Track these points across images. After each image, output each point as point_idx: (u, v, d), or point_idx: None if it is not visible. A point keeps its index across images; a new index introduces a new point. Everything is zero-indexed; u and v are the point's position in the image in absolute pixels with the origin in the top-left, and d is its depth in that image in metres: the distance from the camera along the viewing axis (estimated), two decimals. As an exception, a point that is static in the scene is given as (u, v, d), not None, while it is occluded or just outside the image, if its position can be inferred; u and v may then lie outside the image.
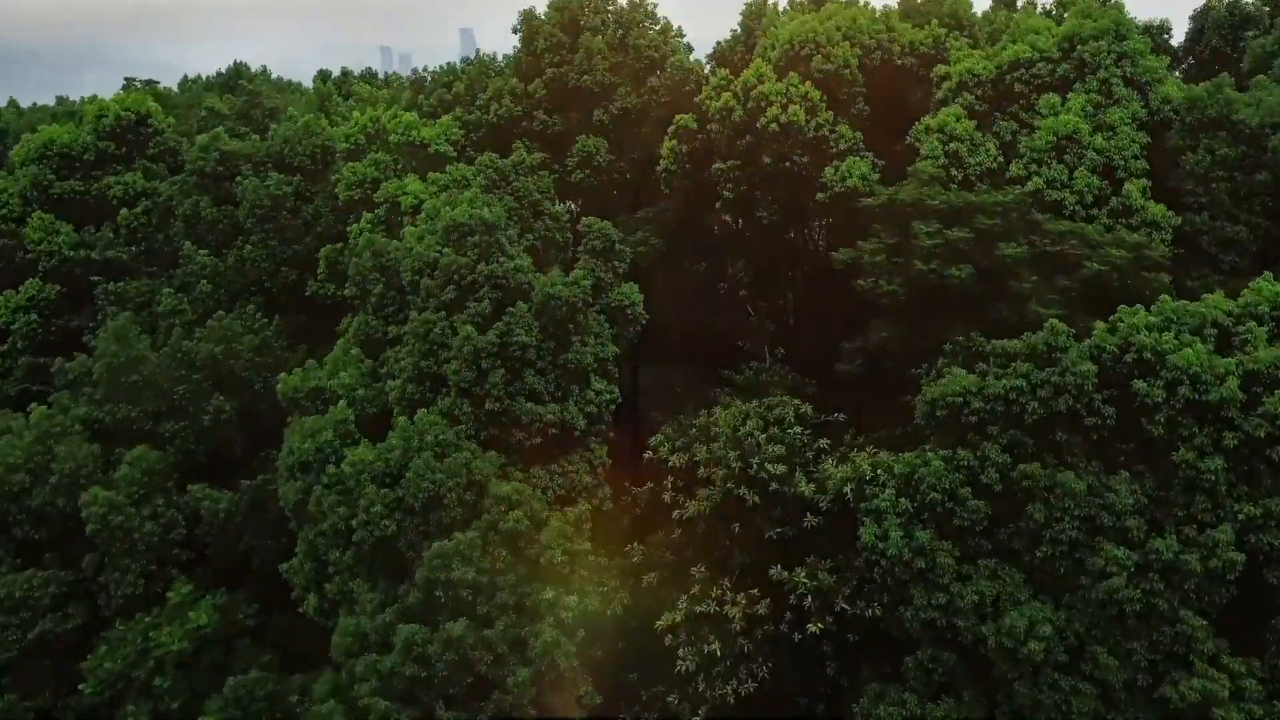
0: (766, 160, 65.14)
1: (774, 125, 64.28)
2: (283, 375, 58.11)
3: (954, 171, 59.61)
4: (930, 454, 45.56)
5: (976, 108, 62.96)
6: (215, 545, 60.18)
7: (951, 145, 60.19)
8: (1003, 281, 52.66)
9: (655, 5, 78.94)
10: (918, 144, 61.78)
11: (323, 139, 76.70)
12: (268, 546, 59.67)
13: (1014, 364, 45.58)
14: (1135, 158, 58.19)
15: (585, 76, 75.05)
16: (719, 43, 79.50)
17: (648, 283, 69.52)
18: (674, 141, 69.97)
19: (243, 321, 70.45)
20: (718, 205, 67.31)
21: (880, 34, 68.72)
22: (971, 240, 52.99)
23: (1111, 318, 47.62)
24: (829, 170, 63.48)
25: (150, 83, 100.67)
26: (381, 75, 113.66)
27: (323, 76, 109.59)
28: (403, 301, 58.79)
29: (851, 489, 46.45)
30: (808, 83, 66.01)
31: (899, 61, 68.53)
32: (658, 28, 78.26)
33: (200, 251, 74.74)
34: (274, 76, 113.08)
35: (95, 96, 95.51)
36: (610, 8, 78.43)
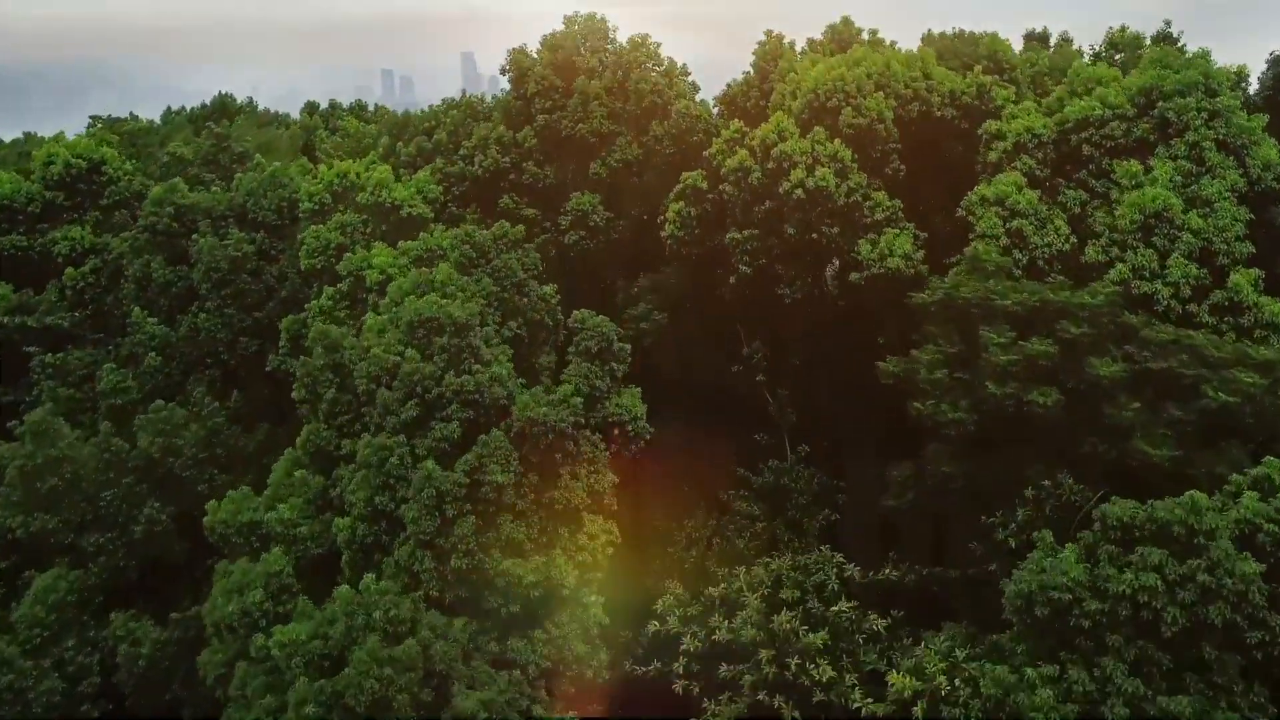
0: (790, 231, 50.13)
1: (799, 191, 49.24)
2: (210, 505, 43.15)
3: (1017, 254, 44.67)
4: (1030, 671, 30.69)
5: (1038, 173, 47.91)
6: (137, 695, 45.41)
7: (1015, 223, 45.17)
8: (1095, 407, 37.77)
9: (659, 45, 63.62)
10: (971, 218, 46.76)
11: (290, 190, 61.62)
12: (200, 697, 44.85)
13: (1141, 550, 30.62)
14: (1239, 239, 43.22)
15: (580, 125, 59.87)
16: (730, 84, 64.02)
17: (648, 357, 54.83)
18: (681, 203, 54.89)
19: (189, 406, 55.59)
20: (732, 280, 52.27)
21: (917, 82, 53.53)
22: (1055, 354, 38.08)
23: (1256, 470, 32.87)
24: (865, 246, 48.40)
25: (121, 120, 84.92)
26: (372, 106, 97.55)
27: (310, 109, 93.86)
28: (358, 410, 43.89)
29: (923, 709, 31.65)
30: (837, 140, 50.90)
31: (938, 114, 53.33)
32: (661, 69, 62.97)
33: (150, 319, 59.75)
34: (260, 108, 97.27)
35: (60, 134, 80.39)
36: (608, 47, 63.13)
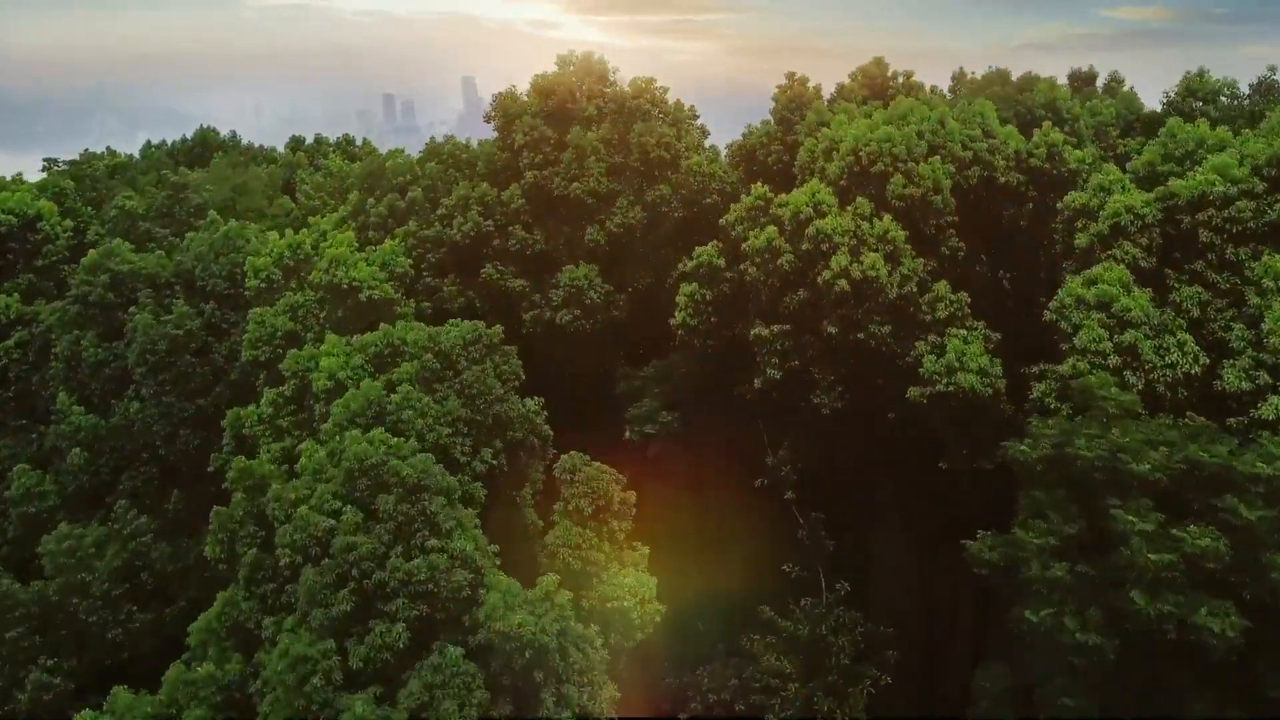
0: (831, 330, 36.77)
1: (842, 282, 35.90)
2: (81, 717, 29.68)
3: (1130, 376, 31.33)
4: None
5: (1141, 264, 34.50)
6: None
7: (1126, 336, 31.77)
8: (1282, 625, 24.52)
9: (666, 90, 49.95)
10: (1063, 323, 33.35)
11: (245, 254, 48.09)
12: None
13: None
14: None
15: (575, 183, 46.38)
16: (747, 131, 50.26)
17: (654, 467, 41.68)
18: (693, 285, 41.52)
19: (111, 523, 42.32)
20: (757, 383, 38.91)
21: (977, 142, 40.11)
22: (1227, 554, 24.74)
23: None
24: (928, 357, 34.96)
25: (96, 156, 70.90)
26: (374, 130, 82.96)
27: (294, 144, 79.96)
28: (284, 581, 30.54)
29: None
30: (886, 216, 37.56)
31: (1002, 180, 40.01)
32: (668, 117, 49.33)
33: (76, 408, 46.44)
34: (245, 141, 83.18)
35: (18, 176, 66.75)
36: (608, 91, 49.53)
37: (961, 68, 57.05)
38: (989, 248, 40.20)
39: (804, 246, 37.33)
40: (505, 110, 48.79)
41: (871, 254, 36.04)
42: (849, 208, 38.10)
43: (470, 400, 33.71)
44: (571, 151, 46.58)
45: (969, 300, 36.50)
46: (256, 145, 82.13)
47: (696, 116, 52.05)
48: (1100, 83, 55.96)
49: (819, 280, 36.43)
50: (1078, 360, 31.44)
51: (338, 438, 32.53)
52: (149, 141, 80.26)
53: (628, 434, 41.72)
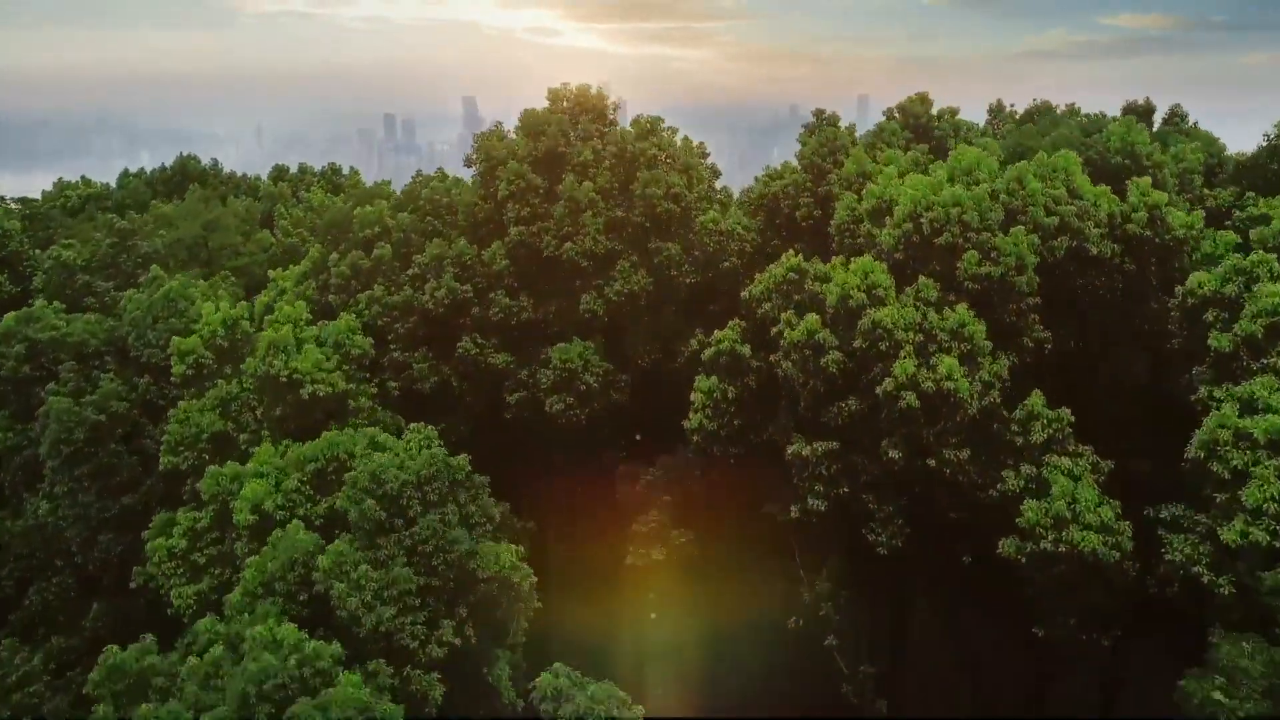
0: (893, 455, 26.19)
1: (910, 397, 25.33)
2: None
3: (1324, 553, 20.85)
4: None
5: (1307, 378, 23.96)
6: None
7: (1317, 494, 21.25)
8: None
9: (675, 131, 39.21)
10: (1217, 465, 22.79)
11: (189, 319, 37.39)
12: None
13: None
14: None
15: (568, 244, 35.75)
16: (765, 174, 39.29)
17: (665, 600, 31.27)
18: (711, 380, 30.90)
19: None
20: (794, 511, 28.31)
21: (1063, 205, 29.44)
22: None
23: None
24: (1029, 503, 24.41)
25: (71, 185, 59.81)
26: (346, 167, 71.36)
27: (276, 174, 68.93)
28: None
29: None
30: (960, 305, 26.97)
31: (1094, 251, 29.37)
32: (678, 164, 38.52)
33: (-23, 508, 35.95)
34: (227, 170, 72.00)
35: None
36: (607, 131, 38.80)
37: (999, 100, 46.71)
38: (1077, 336, 29.60)
39: (855, 342, 26.75)
40: (488, 153, 38.05)
41: (946, 358, 25.45)
42: (909, 289, 27.58)
43: (425, 559, 23.16)
44: (564, 205, 35.91)
45: (1072, 419, 25.87)
46: (239, 174, 71.45)
47: (707, 154, 41.39)
48: (1159, 116, 45.30)
49: (877, 390, 25.87)
50: (1248, 525, 20.90)
51: (245, 616, 22.06)
52: (126, 170, 69.31)
53: (629, 559, 31.21)
